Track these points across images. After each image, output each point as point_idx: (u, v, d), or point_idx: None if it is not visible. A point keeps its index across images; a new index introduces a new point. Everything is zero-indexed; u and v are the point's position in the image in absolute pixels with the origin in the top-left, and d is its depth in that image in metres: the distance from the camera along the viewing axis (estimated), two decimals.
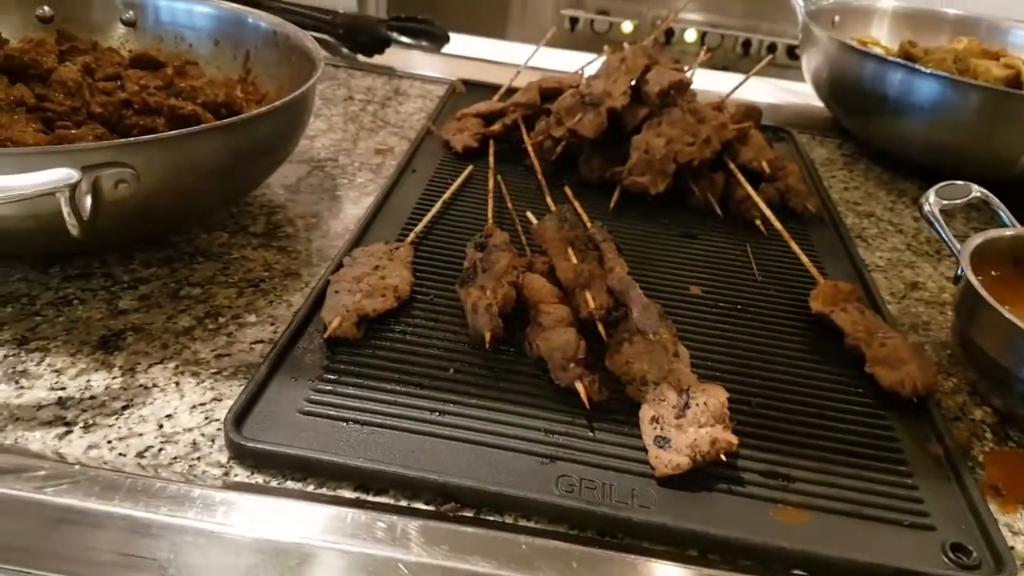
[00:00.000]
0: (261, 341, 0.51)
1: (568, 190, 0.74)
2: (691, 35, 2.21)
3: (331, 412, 0.44)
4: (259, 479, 0.41)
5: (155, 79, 0.69)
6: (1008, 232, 0.58)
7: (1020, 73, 0.94)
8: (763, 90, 1.16)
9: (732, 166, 0.78)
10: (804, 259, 0.65)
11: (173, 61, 0.72)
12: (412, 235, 0.62)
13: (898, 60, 0.90)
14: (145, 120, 0.63)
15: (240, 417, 0.43)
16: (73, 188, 0.41)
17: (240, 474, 0.41)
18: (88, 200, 0.43)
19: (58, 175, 0.40)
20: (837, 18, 1.11)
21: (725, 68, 1.03)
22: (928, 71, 0.84)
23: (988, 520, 0.43)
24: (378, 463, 0.41)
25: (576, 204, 0.71)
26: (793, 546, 0.40)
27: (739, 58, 2.08)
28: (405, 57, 1.12)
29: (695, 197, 0.76)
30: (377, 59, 1.08)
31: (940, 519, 0.43)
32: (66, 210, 0.41)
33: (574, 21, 2.38)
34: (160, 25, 0.76)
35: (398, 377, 0.48)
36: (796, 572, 0.40)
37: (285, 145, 0.61)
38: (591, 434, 0.46)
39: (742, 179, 0.76)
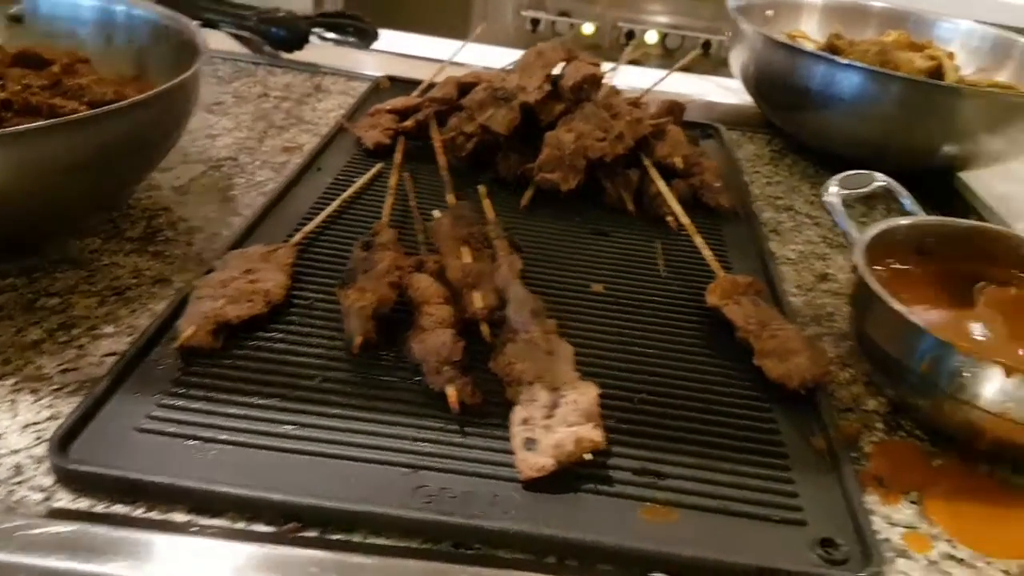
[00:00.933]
0: (114, 354, 0.47)
1: (482, 187, 0.72)
2: (652, 36, 2.21)
3: (172, 429, 0.41)
4: (84, 504, 0.38)
5: (40, 78, 0.66)
6: (905, 221, 0.57)
7: (942, 64, 0.93)
8: (702, 87, 1.16)
9: (647, 162, 0.76)
10: (707, 253, 0.63)
11: (62, 58, 0.69)
12: (298, 236, 0.59)
13: (819, 53, 0.89)
14: (26, 121, 0.60)
15: (69, 437, 0.40)
16: None
17: (64, 499, 0.38)
18: None
19: None
20: (770, 12, 1.10)
21: (688, 69, 1.01)
22: (847, 63, 0.83)
23: (860, 513, 0.41)
24: (214, 484, 0.38)
25: (485, 201, 0.69)
26: (653, 547, 0.38)
27: (700, 59, 2.08)
28: (330, 53, 1.09)
29: (609, 194, 0.74)
30: (300, 56, 1.05)
31: (813, 513, 0.41)
32: None
33: (535, 23, 2.37)
34: (48, 19, 0.73)
35: (256, 389, 0.45)
36: (656, 574, 0.38)
37: (160, 142, 0.58)
38: (462, 440, 0.44)
39: (655, 175, 0.74)
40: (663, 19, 2.23)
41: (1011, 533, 0.44)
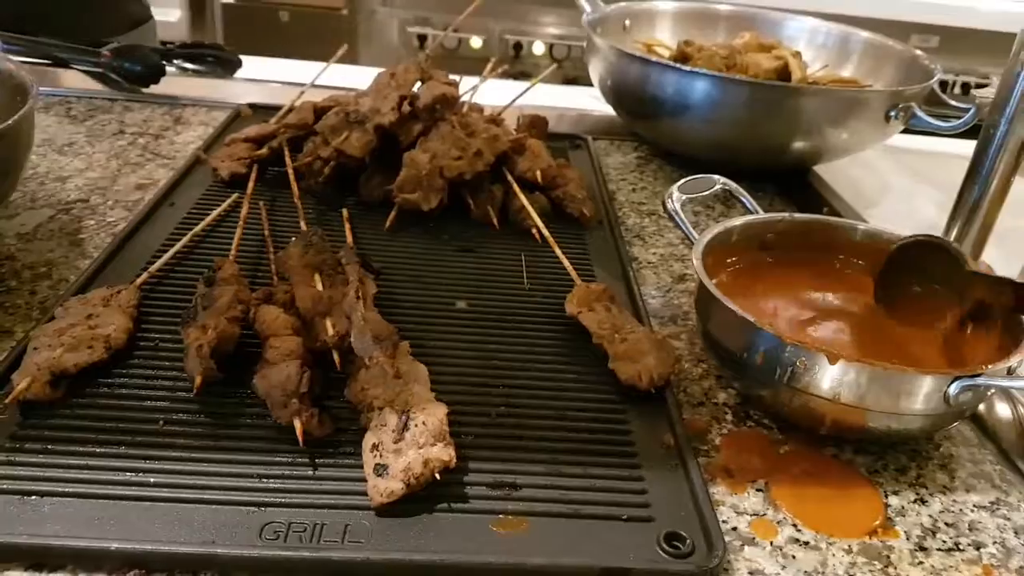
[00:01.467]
0: None
1: (344, 211, 0.72)
2: (539, 47, 2.24)
3: (6, 486, 0.40)
4: None
5: None
6: (739, 221, 0.59)
7: (788, 64, 0.98)
8: (577, 98, 1.18)
9: (509, 177, 0.77)
10: (566, 263, 0.65)
11: None
12: (143, 276, 0.57)
13: (666, 62, 0.92)
14: None
15: None
16: None
17: None
18: None
19: None
20: (628, 22, 1.13)
21: (575, 79, 1.03)
22: (693, 70, 0.86)
23: (704, 504, 0.43)
24: (49, 538, 0.37)
25: (347, 226, 0.69)
26: (500, 559, 0.39)
27: (584, 68, 2.12)
28: (191, 85, 1.07)
29: (474, 210, 0.75)
30: (160, 88, 1.02)
31: (660, 510, 0.43)
32: None
33: (422, 39, 2.37)
34: None
35: (96, 437, 0.44)
36: None
37: None
38: (312, 472, 0.43)
39: (517, 189, 0.75)
40: (550, 30, 2.27)
41: (852, 512, 0.46)
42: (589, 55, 1.02)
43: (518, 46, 2.27)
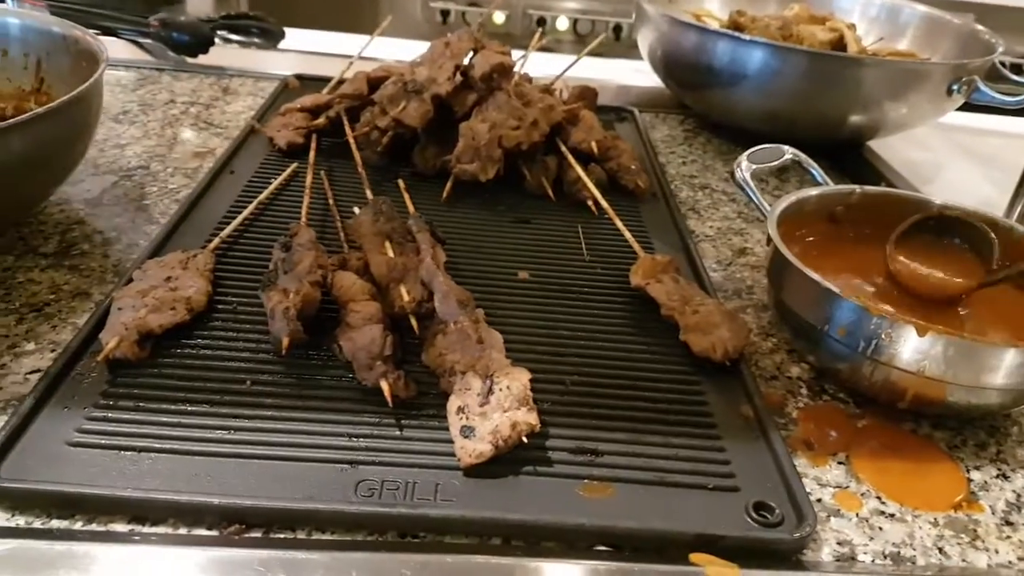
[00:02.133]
0: (38, 370, 0.46)
1: (401, 182, 0.72)
2: (563, 23, 2.23)
3: (104, 441, 0.41)
4: (20, 521, 0.37)
5: None
6: (815, 191, 0.59)
7: (843, 36, 0.96)
8: (616, 71, 1.17)
9: (563, 148, 0.77)
10: (627, 235, 0.64)
11: None
12: (216, 241, 0.58)
13: (723, 30, 0.91)
14: None
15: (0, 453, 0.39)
16: None
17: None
18: None
19: None
20: None
21: (599, 54, 1.02)
22: (751, 39, 0.85)
23: (791, 476, 0.43)
24: (151, 491, 0.38)
25: (406, 196, 0.69)
26: (591, 522, 0.39)
27: (612, 43, 2.11)
28: (237, 55, 1.07)
29: (528, 181, 0.75)
30: (205, 59, 1.03)
31: (746, 480, 0.43)
32: None
33: (445, 14, 2.36)
34: None
35: (185, 396, 0.44)
36: (600, 548, 0.39)
37: (65, 155, 0.57)
38: (399, 433, 0.44)
39: (572, 161, 0.75)
40: (572, 4, 2.25)
41: (935, 485, 0.46)
42: (639, 24, 1.01)
43: (541, 21, 2.25)
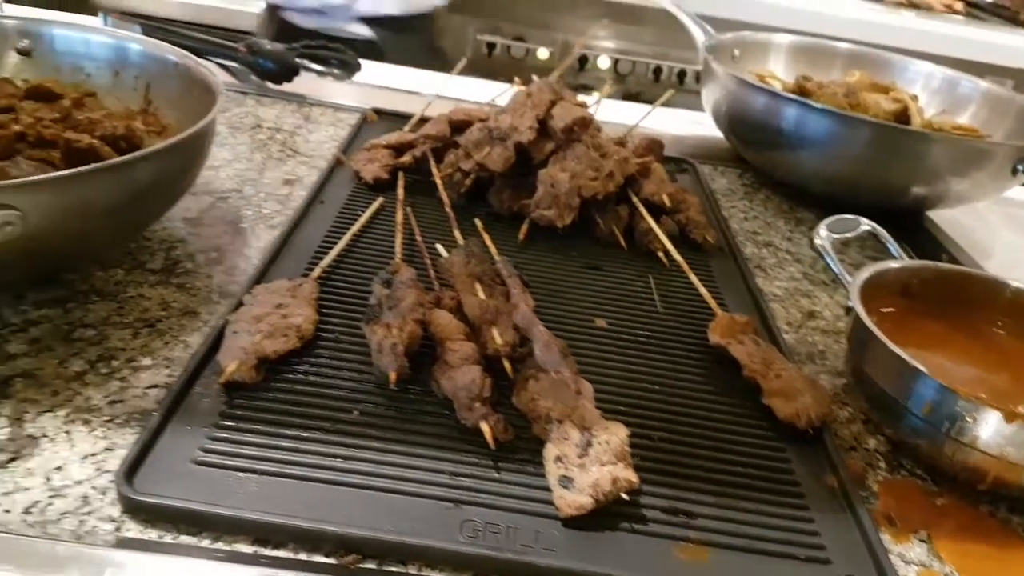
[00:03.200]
0: (156, 386, 0.49)
1: (479, 222, 0.75)
2: (604, 62, 2.27)
3: (226, 462, 0.43)
4: (152, 534, 0.39)
5: (51, 111, 0.67)
6: (894, 265, 0.61)
7: (907, 107, 0.99)
8: (668, 120, 1.19)
9: (635, 199, 0.79)
10: (703, 291, 0.66)
11: (71, 92, 0.70)
12: (318, 270, 0.61)
13: (791, 96, 0.93)
14: (40, 153, 0.61)
15: (132, 469, 0.41)
16: None
17: (133, 529, 0.39)
18: None
19: None
20: (737, 52, 1.14)
21: (638, 94, 1.05)
22: (819, 106, 0.88)
23: (880, 552, 0.44)
24: (275, 515, 0.40)
25: (485, 236, 0.72)
26: None
27: (651, 84, 2.14)
28: (316, 85, 1.11)
29: (600, 229, 0.77)
30: (287, 86, 1.06)
31: (835, 552, 0.44)
32: None
33: (491, 47, 2.41)
34: (57, 54, 0.73)
35: (299, 422, 0.47)
36: None
37: (182, 180, 0.60)
38: (497, 475, 0.46)
39: (644, 212, 0.77)
40: (610, 44, 2.29)
41: (1014, 573, 0.48)
42: (705, 80, 1.04)
43: (583, 59, 2.29)
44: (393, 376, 0.49)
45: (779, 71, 1.16)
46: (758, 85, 0.94)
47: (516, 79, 0.93)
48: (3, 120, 0.63)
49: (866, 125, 0.87)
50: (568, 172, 0.75)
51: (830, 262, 0.62)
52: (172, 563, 0.38)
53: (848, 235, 0.65)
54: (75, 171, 0.47)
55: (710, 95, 1.03)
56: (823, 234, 0.63)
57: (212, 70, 0.68)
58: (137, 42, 0.72)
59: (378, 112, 1.00)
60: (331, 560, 0.40)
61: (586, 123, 0.78)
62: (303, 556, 0.40)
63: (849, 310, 0.57)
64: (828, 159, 0.89)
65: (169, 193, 0.59)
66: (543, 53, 2.30)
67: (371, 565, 0.40)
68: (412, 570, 0.40)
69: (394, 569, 0.40)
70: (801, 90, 1.01)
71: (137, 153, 0.51)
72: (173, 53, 0.71)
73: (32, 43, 0.72)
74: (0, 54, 0.72)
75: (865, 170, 0.88)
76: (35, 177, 0.46)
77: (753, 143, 1.00)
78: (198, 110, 0.64)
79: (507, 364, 0.53)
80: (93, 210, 0.49)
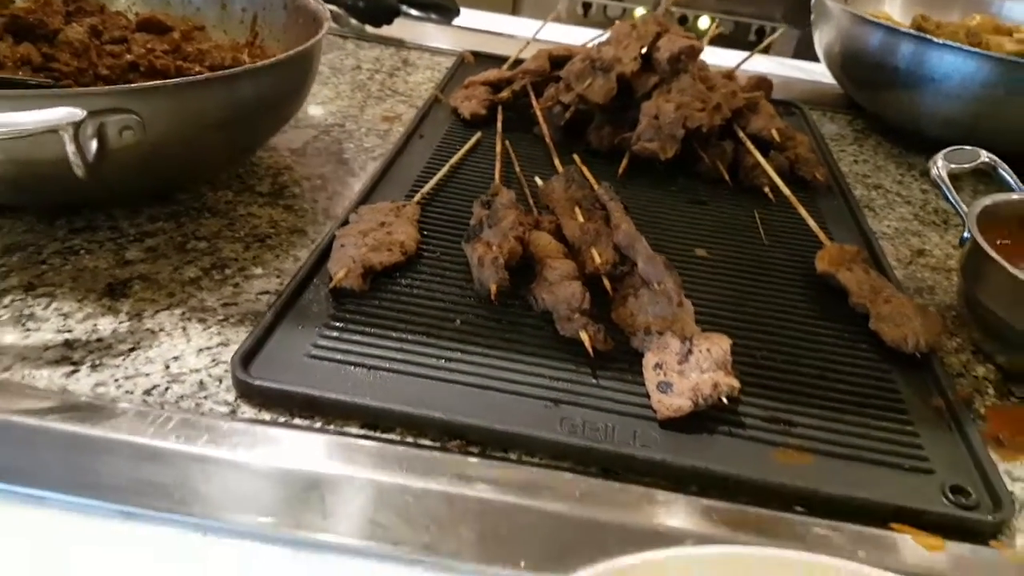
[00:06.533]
0: (267, 292, 0.51)
1: (576, 157, 0.74)
2: (704, 22, 2.21)
3: (337, 356, 0.45)
4: (266, 417, 0.41)
5: (161, 43, 0.69)
6: (1015, 196, 0.58)
7: None
8: (773, 67, 1.16)
9: (741, 134, 0.77)
10: (812, 223, 0.64)
11: (180, 25, 0.73)
12: (419, 195, 0.62)
13: (911, 31, 0.89)
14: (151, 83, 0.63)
15: (247, 358, 0.43)
16: (77, 126, 0.41)
17: (247, 412, 0.41)
18: (94, 145, 0.43)
19: (61, 113, 0.41)
20: None
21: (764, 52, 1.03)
22: (941, 42, 0.84)
23: (988, 465, 0.43)
24: (384, 402, 0.41)
25: (584, 169, 0.71)
26: (793, 483, 0.40)
27: (752, 45, 2.09)
28: (413, 29, 1.12)
29: (704, 164, 0.75)
30: (385, 30, 1.08)
31: (940, 464, 0.43)
32: (70, 148, 0.41)
33: (587, 6, 2.38)
34: None
35: (403, 327, 0.48)
36: (796, 509, 0.40)
37: (289, 102, 0.61)
38: (594, 381, 0.46)
39: (752, 147, 0.75)
40: (714, 3, 2.23)
41: None
42: (818, 21, 1.00)
43: (683, 19, 2.24)
44: (494, 288, 0.49)
45: (894, 14, 1.11)
46: (876, 21, 0.90)
47: (617, 23, 0.92)
48: (116, 50, 0.66)
49: (990, 61, 0.82)
50: (674, 103, 0.74)
51: (946, 192, 0.59)
52: (287, 434, 0.40)
53: (965, 166, 0.62)
54: (188, 79, 0.49)
55: (823, 36, 0.99)
56: (940, 163, 0.61)
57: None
58: None
59: (474, 55, 1.00)
60: (436, 444, 0.41)
61: (695, 52, 0.76)
62: (410, 439, 0.41)
63: (963, 242, 0.55)
64: (947, 99, 0.85)
65: (277, 114, 0.60)
66: (640, 12, 2.26)
67: (475, 451, 0.41)
68: (512, 457, 0.41)
69: (496, 455, 0.41)
70: (920, 29, 0.97)
71: (247, 66, 0.53)
72: None
73: None
74: None
75: (986, 110, 0.83)
76: (152, 83, 0.48)
77: (867, 83, 0.96)
78: (302, 42, 0.65)
79: (607, 282, 0.53)
80: (205, 121, 0.51)
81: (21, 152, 0.44)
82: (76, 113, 0.41)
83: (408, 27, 1.12)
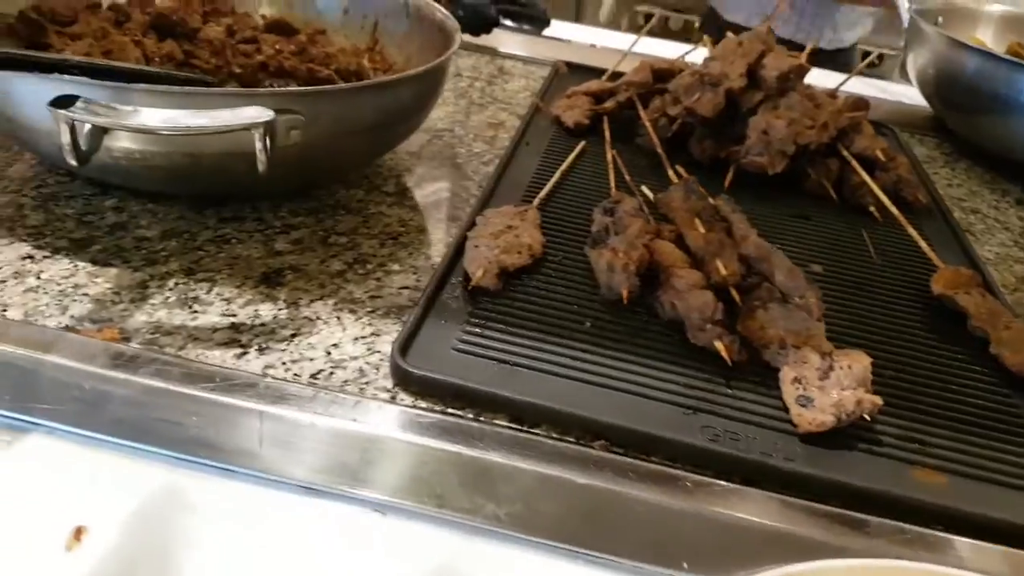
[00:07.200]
0: (407, 287, 0.53)
1: (680, 168, 0.75)
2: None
3: (481, 352, 0.46)
4: (422, 405, 0.43)
5: (289, 44, 0.72)
6: None
7: None
8: (861, 89, 1.16)
9: (846, 153, 0.78)
10: (923, 245, 0.65)
11: (305, 28, 0.75)
12: (536, 200, 0.63)
13: (1009, 57, 0.89)
14: (278, 83, 0.66)
15: (404, 347, 0.45)
16: (267, 126, 0.43)
17: (405, 399, 0.43)
18: (268, 142, 0.46)
19: (255, 112, 0.43)
20: (940, 19, 1.10)
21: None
22: None
23: None
24: (532, 397, 0.43)
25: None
26: (934, 501, 0.41)
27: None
28: (507, 38, 1.14)
29: (810, 181, 0.76)
30: (481, 39, 1.10)
31: None
32: (259, 145, 0.44)
33: (648, 17, 2.39)
34: None
35: (537, 326, 0.49)
36: (935, 526, 0.41)
37: (423, 110, 0.64)
38: (728, 391, 0.47)
39: (857, 166, 0.76)
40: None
41: None
42: (912, 44, 1.00)
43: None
44: (625, 293, 0.51)
45: (987, 40, 1.10)
46: (973, 46, 0.90)
47: (705, 37, 0.93)
48: (248, 50, 0.69)
49: None
50: (783, 119, 0.75)
51: None
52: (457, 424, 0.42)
53: None
54: (351, 85, 0.51)
55: (917, 59, 0.99)
56: None
57: (443, 10, 0.71)
58: None
59: (570, 65, 1.02)
60: (581, 443, 0.42)
61: (803, 71, 0.78)
62: (555, 435, 0.43)
63: None
64: None
65: (411, 121, 0.63)
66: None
67: (617, 451, 0.42)
68: (655, 460, 0.42)
69: (638, 459, 0.42)
70: (1016, 56, 0.97)
71: (401, 75, 0.55)
72: None
73: None
74: None
75: None
76: (320, 87, 0.50)
77: (961, 108, 0.96)
78: (423, 50, 0.67)
79: (735, 293, 0.54)
80: (359, 125, 0.54)
81: (196, 146, 0.46)
82: (267, 113, 0.43)
83: (500, 36, 1.14)
